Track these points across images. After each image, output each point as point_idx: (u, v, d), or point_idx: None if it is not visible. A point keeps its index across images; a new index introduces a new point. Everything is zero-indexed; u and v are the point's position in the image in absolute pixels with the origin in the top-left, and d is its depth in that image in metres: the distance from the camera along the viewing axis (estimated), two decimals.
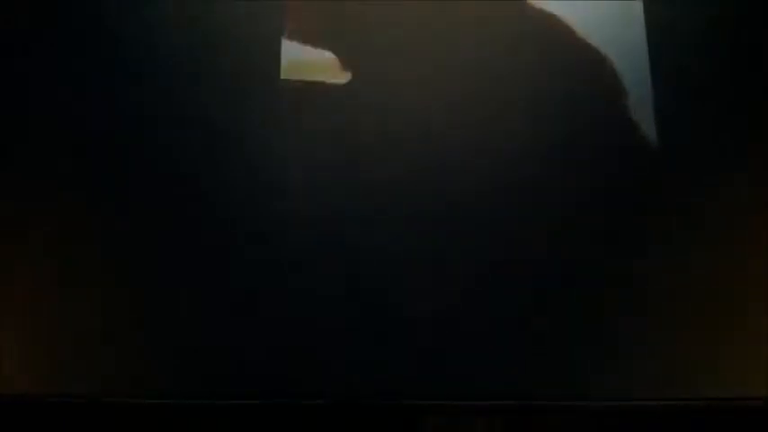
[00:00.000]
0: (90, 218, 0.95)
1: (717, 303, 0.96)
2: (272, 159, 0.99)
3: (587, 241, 0.97)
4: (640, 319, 0.96)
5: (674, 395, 0.92)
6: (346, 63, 0.99)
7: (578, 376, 0.94)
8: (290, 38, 0.97)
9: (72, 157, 0.97)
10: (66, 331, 0.94)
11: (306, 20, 1.00)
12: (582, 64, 1.01)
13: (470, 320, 0.94)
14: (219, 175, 0.96)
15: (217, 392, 0.91)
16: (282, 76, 0.97)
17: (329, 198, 0.98)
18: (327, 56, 0.99)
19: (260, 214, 0.96)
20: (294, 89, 0.98)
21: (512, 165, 1.00)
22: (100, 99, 0.98)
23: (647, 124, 0.99)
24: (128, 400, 0.91)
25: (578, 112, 1.02)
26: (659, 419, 0.91)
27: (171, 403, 0.91)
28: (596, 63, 1.00)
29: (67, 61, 0.98)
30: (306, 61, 0.97)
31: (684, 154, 1.01)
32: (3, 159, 0.96)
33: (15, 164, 0.96)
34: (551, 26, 1.01)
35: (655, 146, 1.00)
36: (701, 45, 1.02)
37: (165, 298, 0.94)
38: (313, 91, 0.98)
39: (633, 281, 0.97)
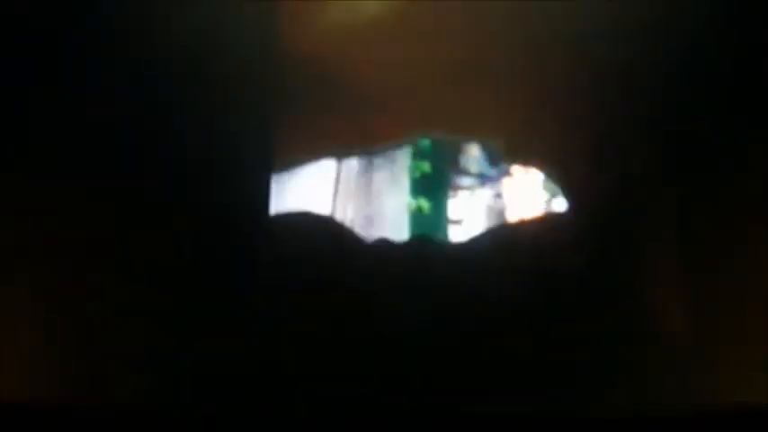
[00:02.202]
0: (89, 224, 0.94)
1: (718, 306, 0.97)
2: (268, 165, 0.97)
3: (589, 245, 0.97)
4: (642, 324, 0.97)
5: (675, 400, 0.94)
6: None
7: (581, 385, 0.95)
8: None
9: (71, 158, 0.95)
10: (59, 338, 0.93)
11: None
12: None
13: (472, 327, 0.94)
14: (217, 176, 0.95)
15: (215, 401, 0.91)
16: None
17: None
18: None
19: (260, 217, 0.95)
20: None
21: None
22: (98, 99, 0.96)
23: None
24: (124, 403, 0.90)
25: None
26: (660, 425, 0.92)
27: (166, 410, 0.90)
28: None
29: (66, 61, 0.96)
30: None
31: (682, 155, 1.01)
32: (2, 159, 0.94)
33: (15, 164, 0.94)
34: None
35: (654, 147, 1.00)
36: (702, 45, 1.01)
37: (159, 304, 0.93)
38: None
39: (635, 285, 0.97)
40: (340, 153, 1.00)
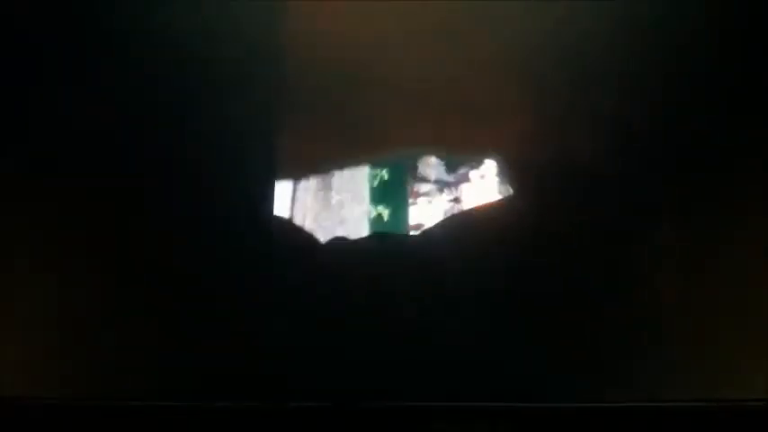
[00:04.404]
0: (89, 221, 0.96)
1: (718, 304, 0.95)
2: (268, 159, 0.98)
3: (588, 241, 0.96)
4: (640, 320, 0.95)
5: (675, 397, 0.93)
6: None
7: (579, 378, 0.93)
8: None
9: (70, 159, 0.98)
10: (60, 333, 0.96)
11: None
12: None
13: (471, 321, 0.95)
14: (216, 176, 0.97)
15: (217, 394, 0.92)
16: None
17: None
18: None
19: (262, 210, 0.97)
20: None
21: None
22: (98, 100, 0.98)
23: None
24: (125, 403, 0.93)
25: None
26: (660, 421, 0.91)
27: (169, 405, 0.92)
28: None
29: (66, 62, 0.98)
30: None
31: (681, 154, 0.99)
32: (2, 160, 0.97)
33: (14, 164, 0.97)
34: None
35: (652, 144, 0.99)
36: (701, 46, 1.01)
37: (162, 298, 0.95)
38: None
39: (633, 282, 0.96)
40: (335, 164, 1.02)
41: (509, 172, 0.98)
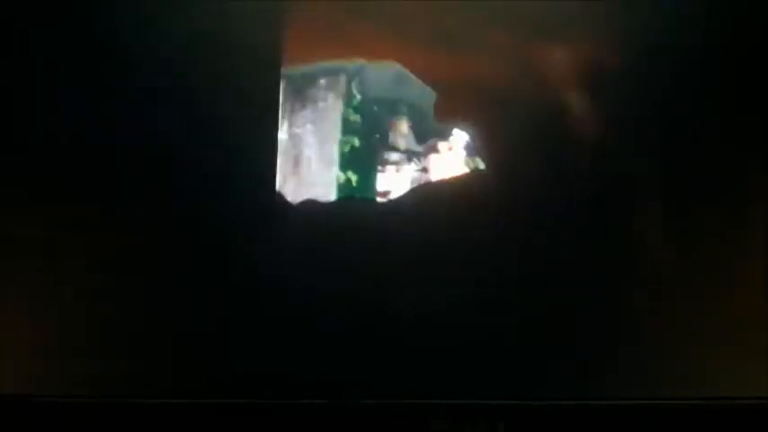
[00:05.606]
0: (88, 218, 0.95)
1: (718, 301, 0.96)
2: (269, 158, 0.98)
3: (586, 239, 0.96)
4: (640, 318, 0.96)
5: (675, 395, 0.93)
6: None
7: (579, 376, 0.94)
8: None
9: (69, 159, 0.97)
10: (62, 331, 0.95)
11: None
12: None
13: (471, 320, 0.94)
14: (215, 174, 0.95)
15: (218, 392, 0.90)
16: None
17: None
18: None
19: (262, 210, 0.96)
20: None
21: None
22: (95, 102, 0.97)
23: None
24: (127, 400, 0.92)
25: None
26: (660, 419, 0.92)
27: (170, 403, 0.92)
28: None
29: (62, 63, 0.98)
30: None
31: (681, 152, 0.99)
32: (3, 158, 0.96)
33: (12, 165, 0.96)
34: None
35: (653, 145, 0.99)
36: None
37: (163, 297, 0.93)
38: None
39: (632, 280, 0.96)
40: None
41: (477, 143, 1.00)
